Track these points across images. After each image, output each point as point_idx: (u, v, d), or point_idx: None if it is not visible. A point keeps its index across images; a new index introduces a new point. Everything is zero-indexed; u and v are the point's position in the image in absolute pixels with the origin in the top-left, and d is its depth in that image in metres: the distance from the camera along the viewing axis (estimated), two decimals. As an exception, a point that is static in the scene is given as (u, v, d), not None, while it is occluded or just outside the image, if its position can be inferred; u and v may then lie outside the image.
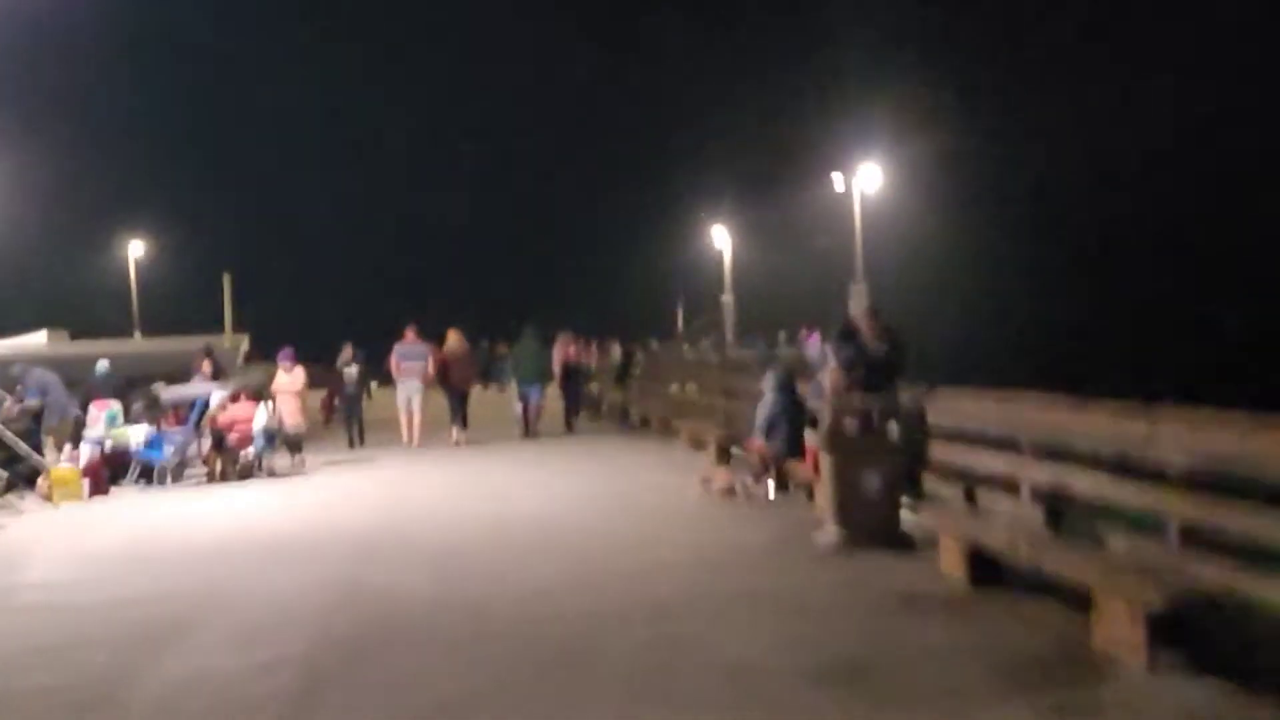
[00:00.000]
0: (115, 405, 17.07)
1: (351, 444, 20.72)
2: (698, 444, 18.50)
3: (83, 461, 15.65)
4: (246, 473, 16.75)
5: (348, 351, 22.01)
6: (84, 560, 10.75)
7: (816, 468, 11.57)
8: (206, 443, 17.14)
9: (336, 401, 28.50)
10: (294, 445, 17.96)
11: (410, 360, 20.56)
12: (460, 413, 20.96)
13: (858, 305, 42.01)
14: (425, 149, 75.63)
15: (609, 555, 9.89)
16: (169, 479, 16.47)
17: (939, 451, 10.42)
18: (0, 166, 45.40)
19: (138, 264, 57.71)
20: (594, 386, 35.03)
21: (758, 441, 13.26)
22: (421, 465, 18.06)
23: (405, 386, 20.54)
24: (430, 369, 20.50)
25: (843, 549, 9.63)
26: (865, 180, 43.28)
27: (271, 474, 16.84)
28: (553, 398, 24.24)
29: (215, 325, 38.78)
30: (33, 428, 16.41)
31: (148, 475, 16.55)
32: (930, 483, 10.46)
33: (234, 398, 17.27)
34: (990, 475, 9.32)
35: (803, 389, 13.19)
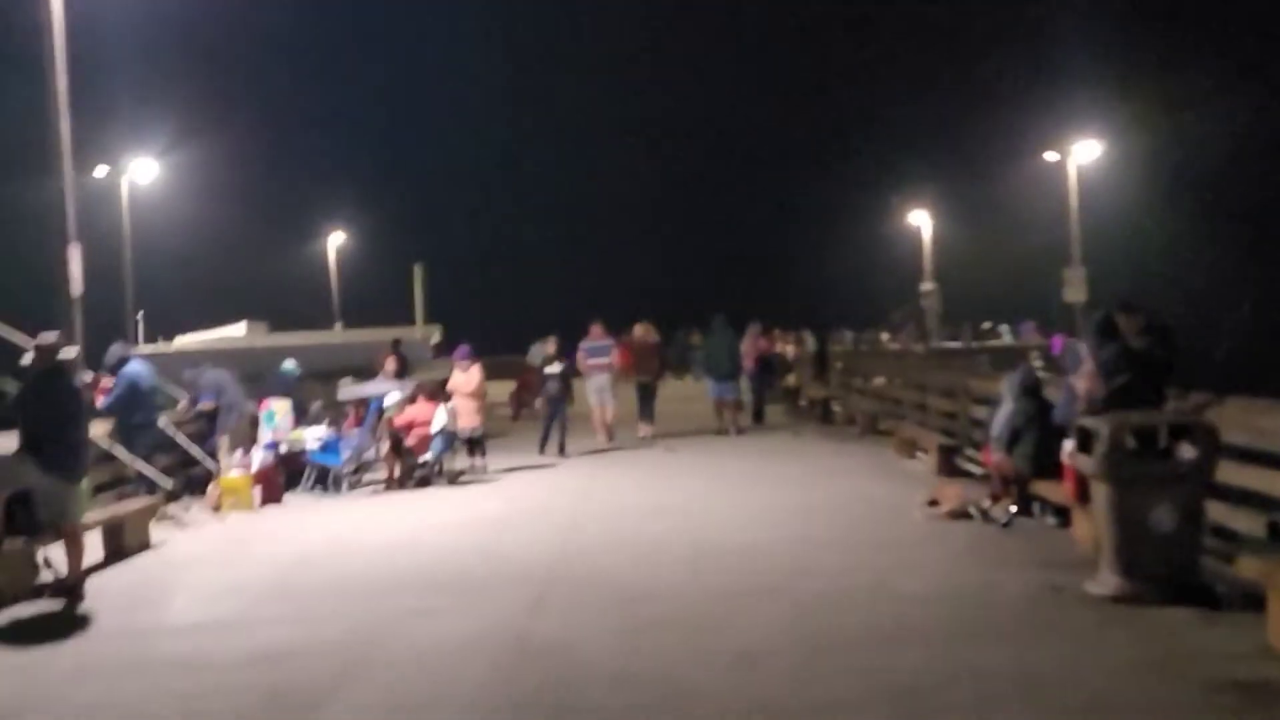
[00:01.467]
0: (277, 404, 16.02)
1: (543, 448, 18.61)
2: (910, 448, 16.57)
3: (255, 467, 14.62)
4: (425, 480, 15.52)
5: (551, 345, 19.43)
6: (231, 593, 9.49)
7: (1077, 491, 9.60)
8: (385, 445, 15.96)
9: (528, 397, 27.53)
10: (474, 447, 16.68)
11: (596, 356, 20.26)
12: (649, 406, 21.03)
13: (1074, 293, 39.28)
14: (615, 135, 74.55)
15: (831, 607, 8.11)
16: (345, 486, 15.34)
17: (1231, 476, 8.42)
18: (204, 161, 46.14)
19: (339, 254, 58.28)
20: (791, 379, 33.28)
21: (996, 455, 11.30)
22: (611, 470, 16.59)
23: (594, 382, 20.19)
24: (615, 363, 20.33)
25: (1127, 602, 7.70)
26: (1082, 156, 40.18)
27: (452, 480, 15.57)
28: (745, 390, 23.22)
29: (410, 316, 38.30)
30: (206, 430, 15.49)
31: (323, 481, 15.44)
32: (1219, 516, 8.47)
33: (412, 398, 16.08)
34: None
35: (1050, 393, 11.22)
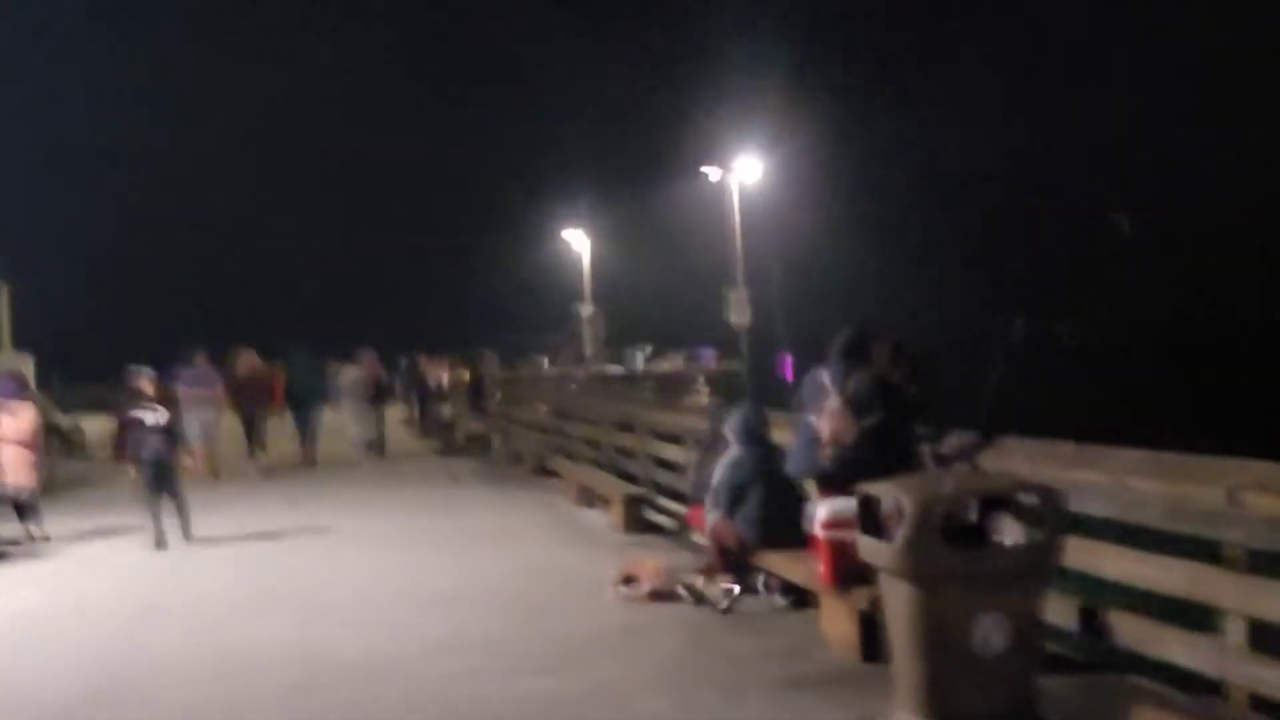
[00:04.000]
0: None
1: (161, 543, 12.11)
2: (587, 496, 13.86)
3: None
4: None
5: (146, 382, 13.22)
6: None
7: (833, 572, 7.02)
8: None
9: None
10: (22, 510, 12.76)
11: (198, 386, 18.35)
12: (257, 437, 19.55)
13: (737, 315, 38.00)
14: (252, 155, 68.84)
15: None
16: None
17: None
18: None
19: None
20: (446, 409, 30.22)
21: (711, 516, 8.63)
22: (210, 526, 13.04)
23: (195, 415, 17.65)
24: (218, 395, 18.81)
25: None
26: (743, 174, 39.00)
27: None
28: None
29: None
30: None
31: None
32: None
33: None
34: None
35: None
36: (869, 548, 5.47)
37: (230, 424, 19.63)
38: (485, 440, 22.61)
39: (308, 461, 20.11)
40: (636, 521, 12.00)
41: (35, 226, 62.95)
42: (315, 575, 10.38)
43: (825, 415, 7.62)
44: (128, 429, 14.95)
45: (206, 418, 18.28)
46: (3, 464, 12.60)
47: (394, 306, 59.82)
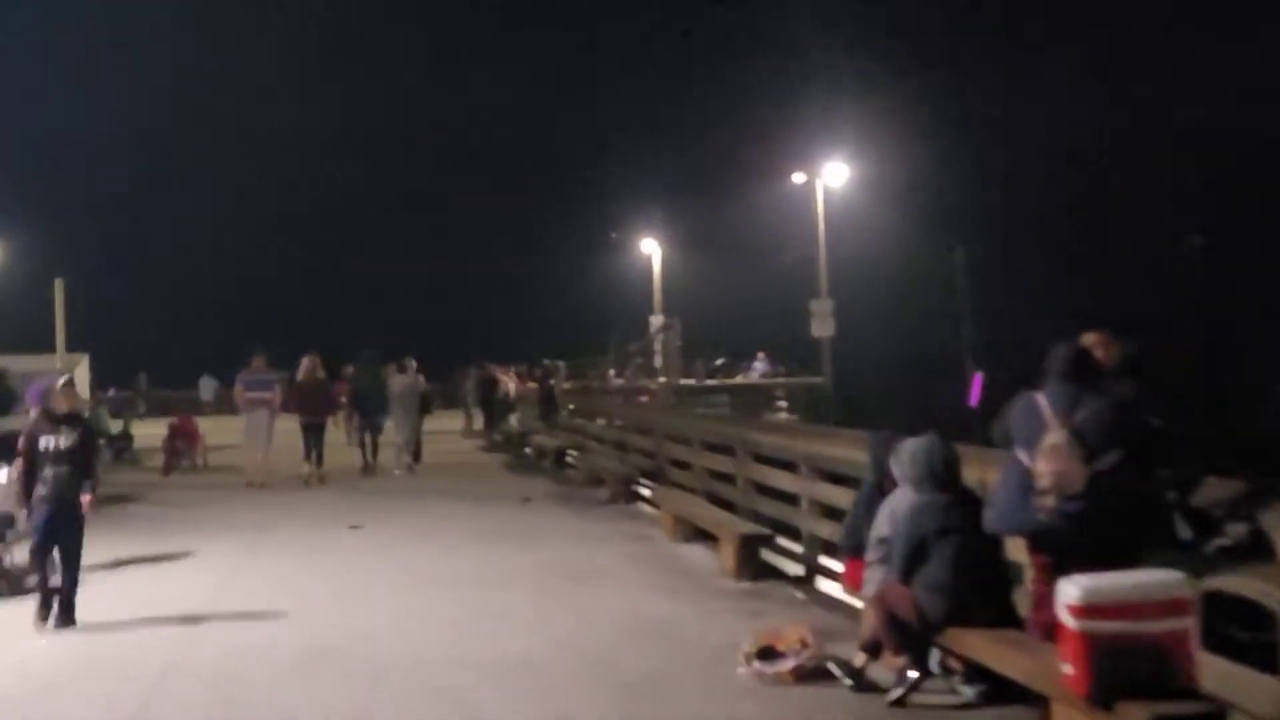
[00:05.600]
0: None
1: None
2: (687, 531, 12.01)
3: None
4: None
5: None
6: None
7: (1091, 672, 5.06)
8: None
9: (184, 445, 21.72)
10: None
11: (256, 390, 17.97)
12: (315, 448, 18.32)
13: (821, 328, 35.97)
14: (314, 149, 67.41)
15: None
16: None
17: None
18: None
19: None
20: (514, 419, 28.53)
21: (880, 577, 6.71)
22: (257, 554, 11.34)
23: (253, 418, 17.93)
24: (277, 399, 18.18)
25: None
26: (830, 178, 36.96)
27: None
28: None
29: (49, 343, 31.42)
30: None
31: None
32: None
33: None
34: None
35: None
36: (1226, 676, 3.55)
37: (288, 428, 18.70)
38: (558, 455, 20.82)
39: (368, 471, 19.37)
40: (752, 564, 10.13)
41: (108, 228, 61.98)
42: (370, 625, 8.55)
43: (1044, 454, 5.74)
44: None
45: (260, 421, 17.90)
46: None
47: (460, 316, 58.06)
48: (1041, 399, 5.93)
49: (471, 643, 7.96)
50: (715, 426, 15.13)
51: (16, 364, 28.37)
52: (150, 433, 24.85)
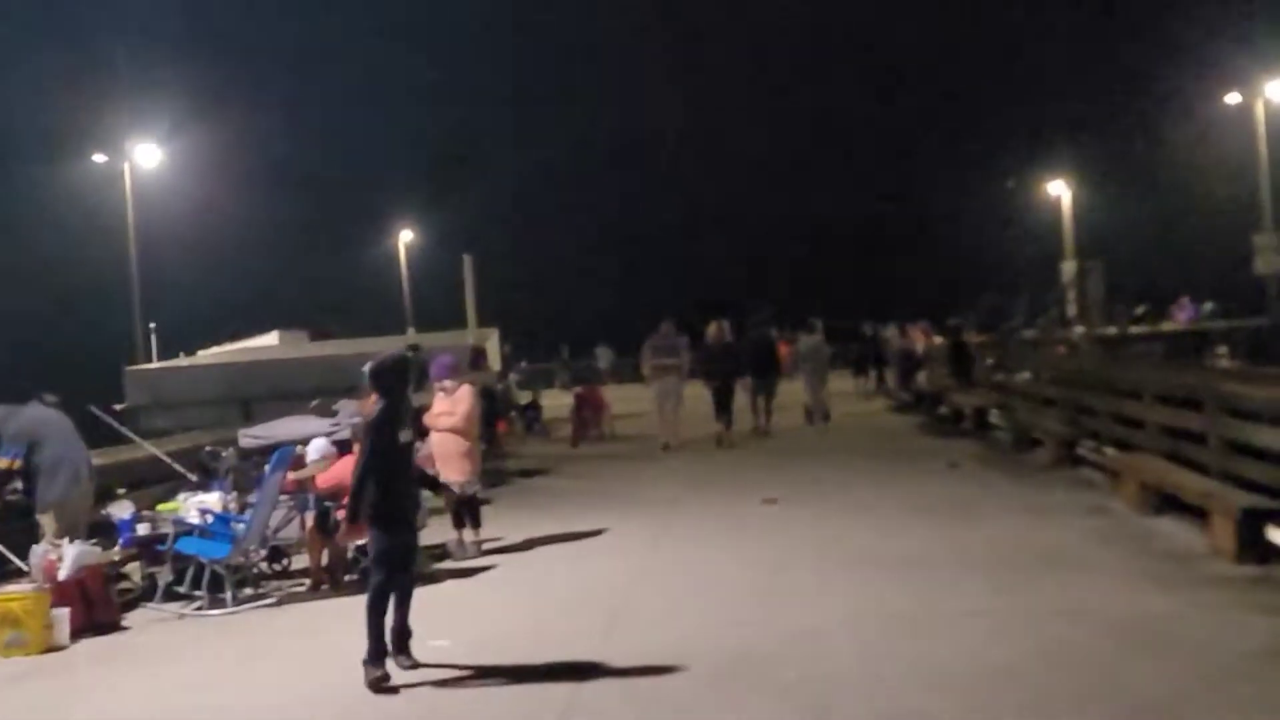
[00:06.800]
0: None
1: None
2: (1157, 502, 10.23)
3: (65, 569, 8.71)
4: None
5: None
6: None
7: None
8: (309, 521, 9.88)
9: (592, 414, 21.57)
10: (461, 516, 10.66)
11: (663, 355, 18.11)
12: (726, 410, 18.44)
13: (1266, 263, 32.10)
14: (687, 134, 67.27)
15: None
16: (229, 593, 9.26)
17: None
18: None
19: (409, 254, 53.05)
20: (922, 377, 26.98)
21: None
22: (668, 544, 10.51)
23: (660, 384, 18.20)
24: (685, 364, 18.42)
25: None
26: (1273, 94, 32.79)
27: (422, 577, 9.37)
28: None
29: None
30: (20, 500, 9.67)
31: (210, 581, 9.31)
32: None
33: (347, 445, 10.12)
34: None
35: None
36: None
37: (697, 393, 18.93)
38: (979, 415, 19.13)
39: (761, 432, 19.32)
40: (1254, 545, 8.30)
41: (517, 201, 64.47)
42: (804, 626, 7.36)
43: None
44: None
45: (668, 386, 18.10)
46: (439, 455, 10.56)
47: (858, 272, 56.30)
48: None
49: (934, 650, 6.65)
50: (1174, 377, 13.11)
51: (432, 340, 29.35)
52: (563, 403, 25.00)
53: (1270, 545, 8.33)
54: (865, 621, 7.35)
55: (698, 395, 18.93)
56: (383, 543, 6.92)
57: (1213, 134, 36.34)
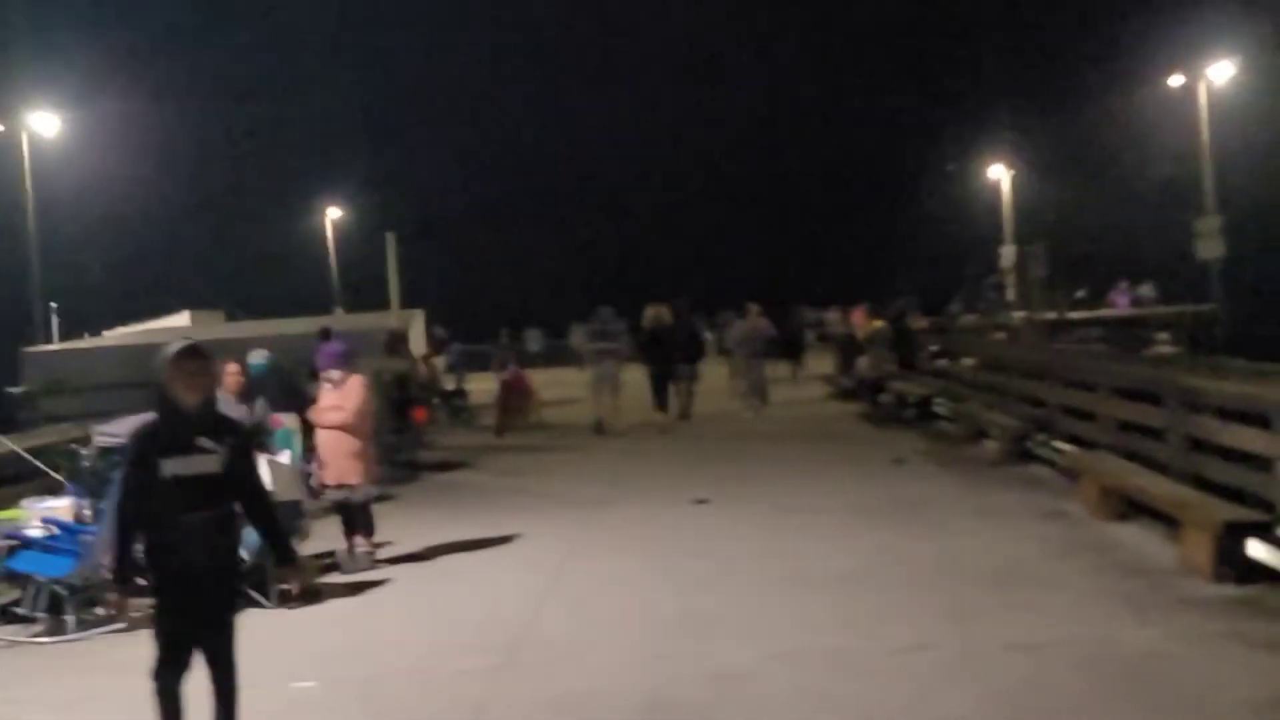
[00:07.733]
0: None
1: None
2: (1120, 507, 9.38)
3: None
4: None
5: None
6: None
7: None
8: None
9: (519, 402, 20.49)
10: (350, 519, 9.57)
11: (601, 340, 18.39)
12: (661, 392, 18.63)
13: (1208, 248, 31.60)
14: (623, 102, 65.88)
15: None
16: (70, 617, 8.01)
17: None
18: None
19: (337, 232, 51.59)
20: (863, 363, 26.09)
21: None
22: (586, 555, 9.49)
23: (598, 368, 18.39)
24: (623, 348, 18.67)
25: None
26: (1215, 78, 32.33)
27: (298, 595, 8.27)
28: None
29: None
30: None
31: (50, 603, 8.11)
32: None
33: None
34: None
35: None
36: None
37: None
38: (922, 405, 18.31)
39: (684, 418, 19.11)
40: (1233, 562, 7.43)
41: (439, 179, 62.95)
42: (734, 664, 6.38)
43: None
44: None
45: (606, 371, 18.21)
46: (324, 454, 9.49)
47: (799, 255, 55.58)
48: None
49: (879, 696, 5.70)
50: (1133, 370, 12.28)
51: (357, 323, 28.00)
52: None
53: (1251, 562, 7.46)
54: (802, 658, 6.38)
55: (635, 381, 18.67)
56: (158, 616, 5.29)
57: (1155, 116, 35.81)
